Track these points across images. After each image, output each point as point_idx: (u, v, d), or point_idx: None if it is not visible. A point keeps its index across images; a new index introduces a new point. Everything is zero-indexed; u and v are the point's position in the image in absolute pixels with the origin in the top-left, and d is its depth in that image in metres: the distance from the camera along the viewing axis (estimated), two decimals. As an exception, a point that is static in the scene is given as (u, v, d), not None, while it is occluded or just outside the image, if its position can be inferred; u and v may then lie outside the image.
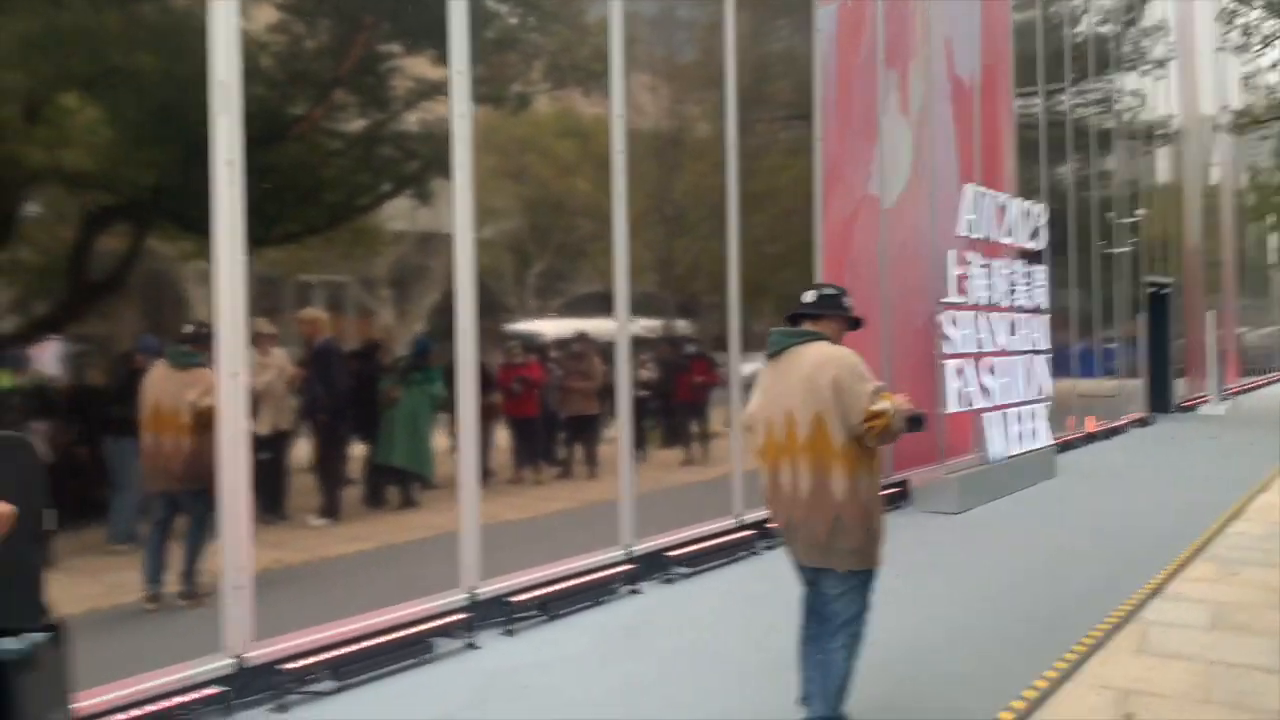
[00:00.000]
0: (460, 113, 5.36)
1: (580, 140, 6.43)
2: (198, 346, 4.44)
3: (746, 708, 4.22)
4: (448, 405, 5.40)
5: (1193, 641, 5.06)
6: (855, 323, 3.82)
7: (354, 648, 4.65)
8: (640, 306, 6.54)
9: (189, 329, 4.52)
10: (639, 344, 6.60)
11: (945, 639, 5.14)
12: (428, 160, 5.39)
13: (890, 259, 9.35)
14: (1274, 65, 29.00)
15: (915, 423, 3.59)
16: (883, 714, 4.04)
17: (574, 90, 6.43)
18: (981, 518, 8.65)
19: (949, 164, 10.58)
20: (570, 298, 6.33)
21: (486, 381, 5.62)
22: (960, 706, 4.21)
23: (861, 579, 3.60)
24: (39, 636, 1.03)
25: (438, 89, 5.32)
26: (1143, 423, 17.07)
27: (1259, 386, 28.47)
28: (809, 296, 3.81)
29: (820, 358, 3.57)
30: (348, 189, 5.19)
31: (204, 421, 4.37)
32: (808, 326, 3.75)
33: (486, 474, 5.63)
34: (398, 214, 5.35)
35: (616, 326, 6.41)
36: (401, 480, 5.61)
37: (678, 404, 7.49)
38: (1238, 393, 24.34)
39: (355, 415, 5.39)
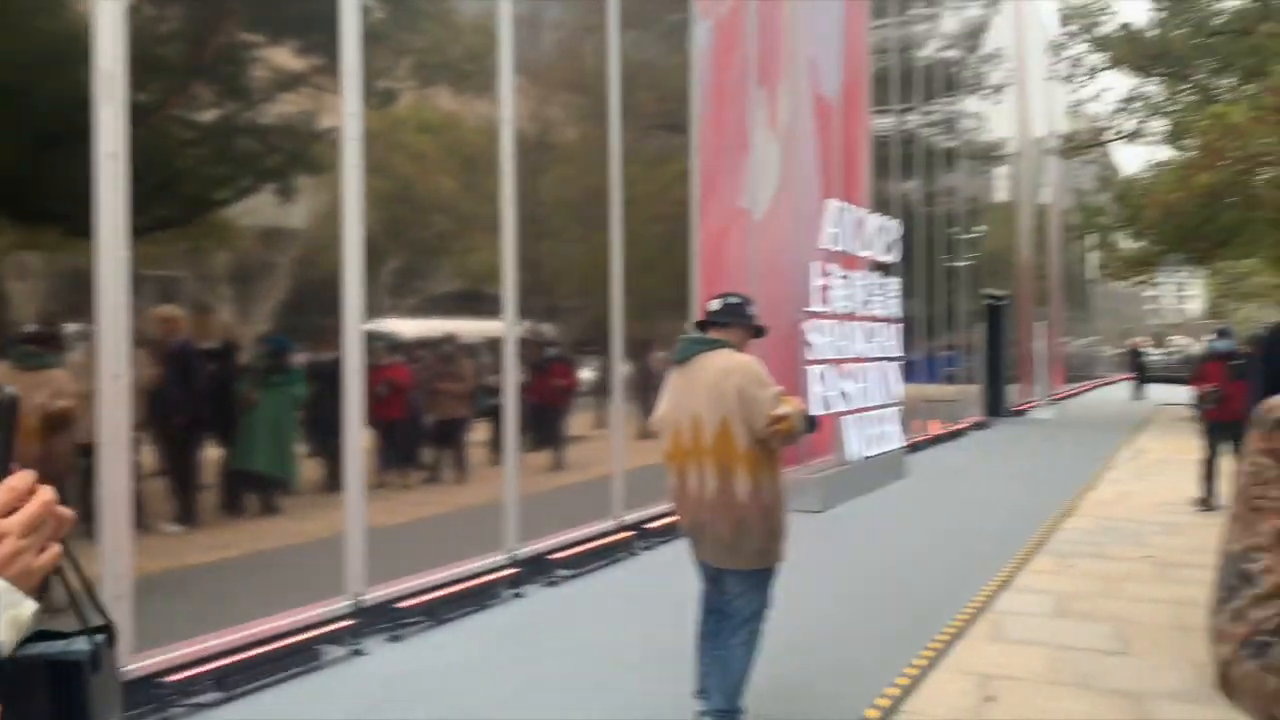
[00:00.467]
0: (351, 111, 5.29)
1: (446, 137, 6.37)
2: (46, 347, 4.17)
3: (642, 702, 4.35)
4: (315, 407, 5.24)
5: (1041, 629, 5.52)
6: (758, 330, 4.02)
7: (237, 658, 4.53)
8: (494, 309, 6.46)
9: (33, 328, 4.23)
10: (488, 347, 6.52)
11: (820, 632, 5.42)
12: (290, 155, 5.22)
13: (759, 269, 9.71)
14: (1097, 96, 31.33)
15: (811, 423, 3.82)
16: (771, 705, 4.25)
17: (443, 87, 6.36)
18: (842, 516, 9.10)
19: (812, 179, 11.06)
20: (433, 297, 6.19)
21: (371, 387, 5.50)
22: (841, 694, 4.47)
23: (763, 577, 3.79)
24: (100, 637, 1.05)
25: (300, 81, 5.19)
26: (981, 426, 18.23)
27: (1081, 392, 30.79)
28: (715, 305, 3.98)
29: (725, 365, 3.75)
30: (204, 181, 4.93)
31: (55, 425, 4.14)
32: (714, 334, 3.92)
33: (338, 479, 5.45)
34: (255, 209, 5.07)
35: (504, 328, 6.45)
36: (262, 486, 5.30)
37: (539, 406, 7.35)
38: (1063, 398, 26.27)
39: (213, 418, 4.99)
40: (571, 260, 7.56)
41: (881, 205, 13.26)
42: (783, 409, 3.67)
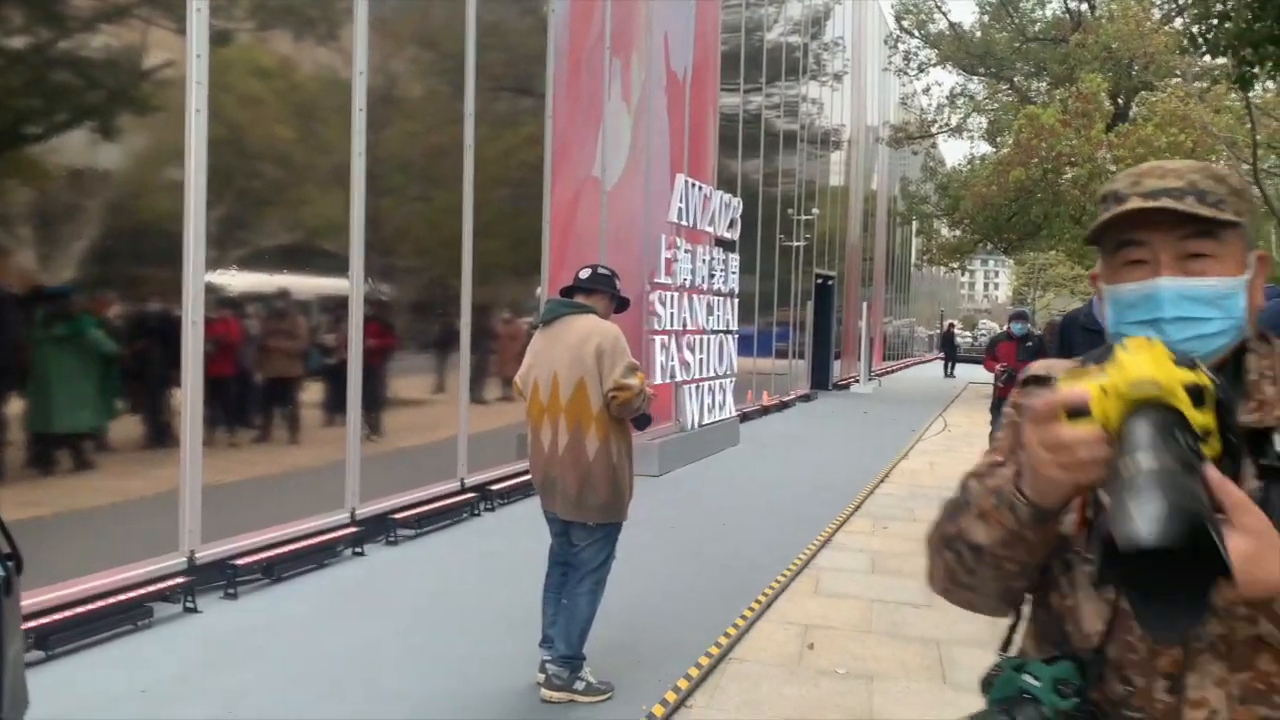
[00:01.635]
0: (198, 53, 5.08)
1: (298, 83, 6.18)
2: None
3: (484, 655, 4.48)
4: (139, 361, 5.01)
5: (857, 584, 5.98)
6: (623, 303, 4.20)
7: (57, 616, 4.36)
8: (335, 266, 6.34)
9: None
10: (326, 305, 6.39)
11: (657, 587, 5.69)
12: (113, 91, 4.93)
13: (609, 238, 9.88)
14: (927, 89, 33.04)
15: (645, 419, 4.05)
16: (612, 653, 4.46)
17: (283, 31, 6.14)
18: (679, 479, 9.45)
19: (662, 152, 11.30)
20: (278, 251, 6.00)
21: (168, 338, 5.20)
22: (676, 642, 4.73)
23: (608, 531, 3.98)
24: (10, 564, 1.09)
25: (123, 12, 4.92)
26: (807, 398, 19.15)
27: (899, 369, 32.71)
28: (584, 273, 4.13)
29: (589, 328, 3.91)
30: (12, 114, 4.58)
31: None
32: (580, 299, 4.06)
33: (169, 435, 5.19)
34: (67, 148, 4.69)
35: (351, 286, 6.36)
36: (69, 443, 4.88)
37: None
38: (883, 374, 27.86)
39: (7, 372, 4.49)
40: (416, 220, 7.49)
41: (725, 183, 13.67)
42: (630, 380, 3.86)
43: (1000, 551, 1.18)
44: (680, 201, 10.52)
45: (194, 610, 4.97)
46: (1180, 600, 0.95)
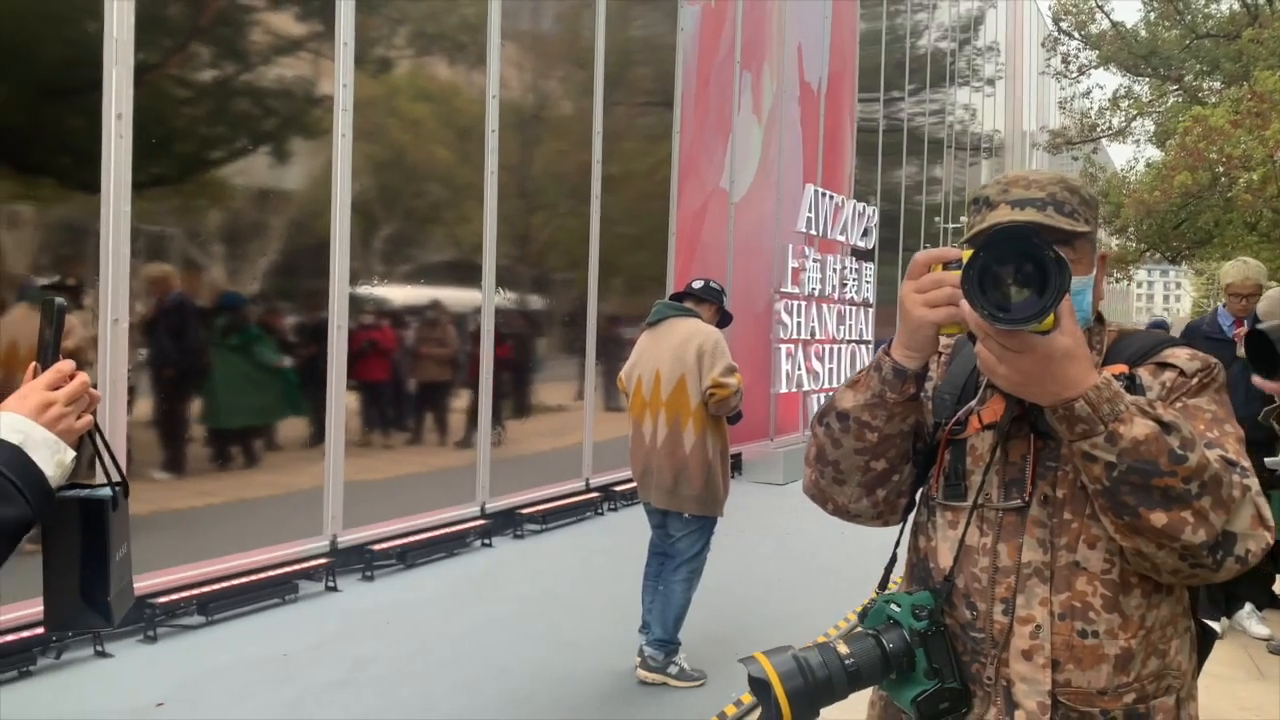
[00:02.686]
0: (344, 83, 5.61)
1: (440, 106, 6.69)
2: (60, 292, 4.50)
3: (590, 638, 4.75)
4: (302, 366, 5.56)
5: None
6: (726, 317, 4.48)
7: (218, 586, 4.91)
8: (469, 278, 6.75)
9: (52, 278, 4.50)
10: (460, 315, 6.84)
11: (766, 589, 5.83)
12: (285, 118, 5.52)
13: (736, 249, 10.06)
14: (1088, 92, 31.73)
15: (737, 416, 4.28)
16: (711, 645, 4.65)
17: (438, 57, 6.67)
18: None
19: (794, 163, 11.40)
20: (420, 264, 6.52)
21: (355, 346, 5.83)
22: (777, 640, 4.86)
23: (703, 524, 4.20)
24: (119, 487, 1.41)
25: (298, 45, 5.49)
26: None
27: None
28: (698, 283, 4.46)
29: (693, 329, 4.19)
30: (200, 141, 5.21)
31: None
32: (689, 305, 4.33)
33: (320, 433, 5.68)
34: (249, 170, 5.29)
35: (483, 298, 6.80)
36: (243, 439, 5.46)
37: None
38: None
39: (198, 373, 5.13)
40: (546, 233, 7.90)
41: (867, 192, 13.61)
42: (729, 379, 4.08)
43: (863, 416, 1.36)
44: (809, 211, 10.59)
45: (334, 589, 5.46)
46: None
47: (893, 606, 1.37)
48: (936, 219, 17.89)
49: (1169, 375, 1.37)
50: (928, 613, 1.35)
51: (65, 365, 1.30)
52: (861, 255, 12.23)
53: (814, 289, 10.68)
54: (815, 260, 10.70)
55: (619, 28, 8.31)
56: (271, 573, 5.19)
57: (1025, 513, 1.36)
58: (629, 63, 8.72)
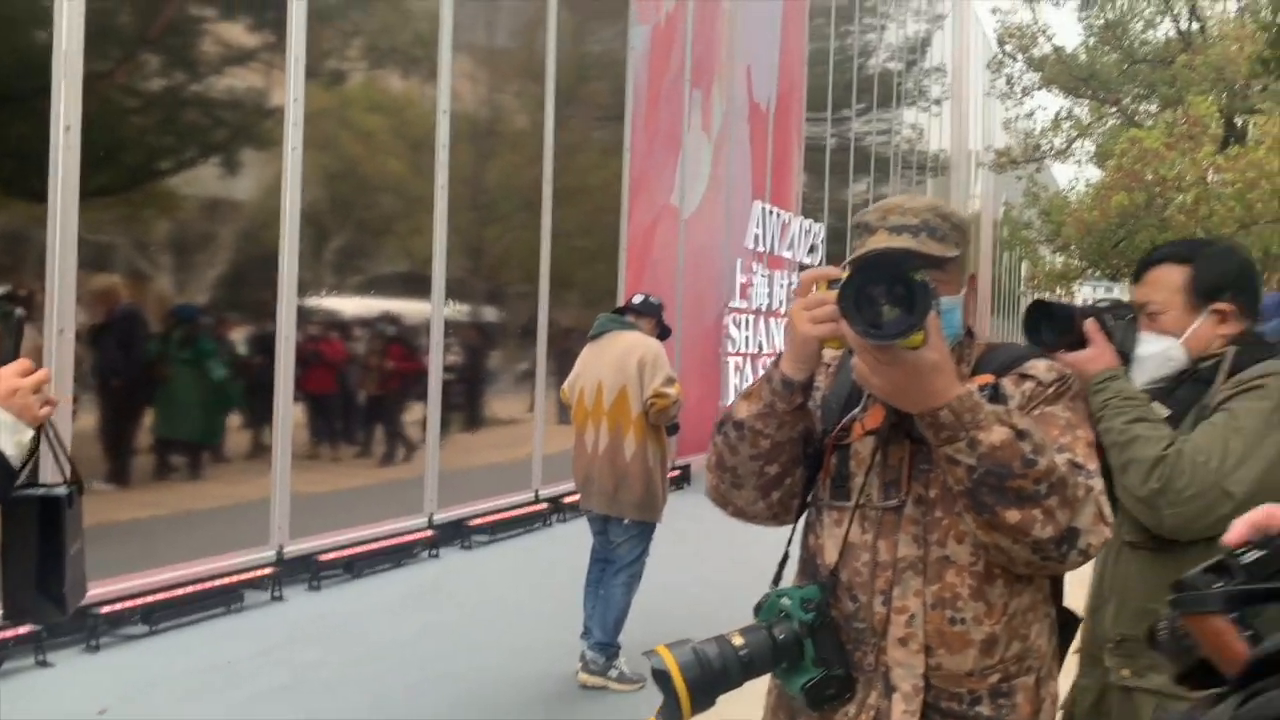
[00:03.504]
0: (295, 96, 5.68)
1: (391, 118, 6.77)
2: (13, 303, 4.50)
3: (534, 644, 4.84)
4: (248, 378, 5.60)
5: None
6: (665, 330, 4.63)
7: (162, 596, 4.92)
8: (418, 290, 6.80)
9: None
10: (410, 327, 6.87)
11: (711, 594, 5.95)
12: (235, 129, 5.58)
13: (686, 264, 10.23)
14: (1031, 114, 32.56)
15: (674, 427, 4.46)
16: (649, 647, 4.75)
17: (390, 70, 6.76)
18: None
19: (743, 180, 11.62)
20: (370, 276, 6.56)
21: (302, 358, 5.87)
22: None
23: (643, 529, 4.35)
24: (74, 486, 1.51)
25: (251, 56, 5.56)
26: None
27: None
28: (638, 299, 4.63)
29: (635, 341, 4.35)
30: (149, 151, 5.27)
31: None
32: (631, 319, 4.48)
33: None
34: (199, 181, 5.34)
35: (433, 310, 6.87)
36: (190, 450, 5.46)
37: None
38: (984, 403, 27.27)
39: (145, 384, 5.15)
40: (496, 248, 8.01)
41: (817, 209, 13.88)
42: (668, 389, 4.23)
43: (757, 425, 1.49)
44: (757, 228, 10.81)
45: (280, 599, 5.49)
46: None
47: (784, 600, 1.51)
48: (884, 236, 18.25)
49: (1028, 385, 1.51)
50: (815, 605, 1.48)
51: (27, 362, 1.40)
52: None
53: (762, 304, 10.90)
54: (764, 275, 10.92)
55: (571, 44, 8.45)
56: (216, 582, 5.20)
57: (901, 511, 1.49)
58: (581, 78, 8.87)
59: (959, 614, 1.45)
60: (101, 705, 3.93)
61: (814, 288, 1.39)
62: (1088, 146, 26.23)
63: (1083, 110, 25.73)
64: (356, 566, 6.04)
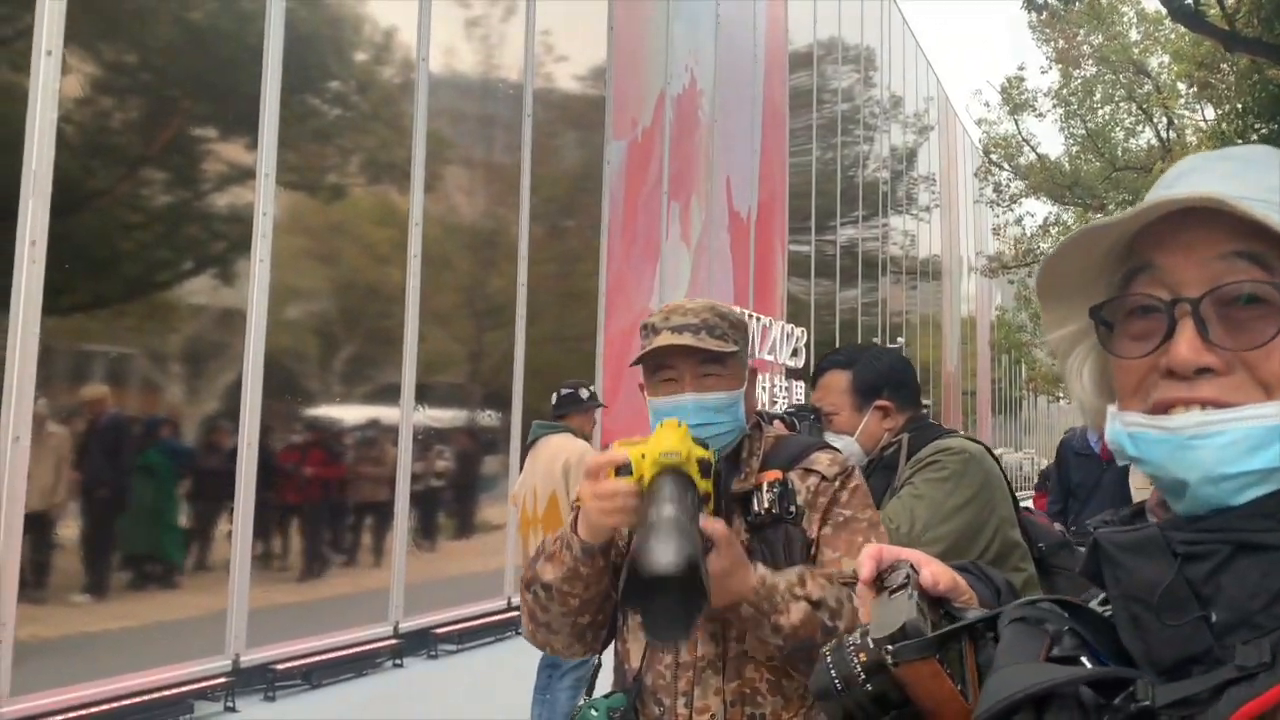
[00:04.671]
0: (264, 211, 5.89)
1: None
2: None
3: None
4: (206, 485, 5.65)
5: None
6: (595, 405, 4.62)
7: (113, 705, 4.86)
8: (388, 398, 6.94)
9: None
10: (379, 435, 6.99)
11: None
12: (234, 242, 5.82)
13: (665, 368, 10.32)
14: (1019, 219, 33.20)
15: None
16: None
17: (365, 182, 7.03)
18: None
19: (724, 287, 11.83)
20: (339, 383, 6.69)
21: (266, 465, 5.91)
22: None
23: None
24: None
25: (249, 174, 5.82)
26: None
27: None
28: (554, 399, 4.60)
29: (560, 446, 4.36)
30: (147, 263, 5.50)
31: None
32: (560, 420, 4.53)
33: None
34: (168, 292, 5.58)
35: (402, 416, 6.95)
36: (147, 560, 5.47)
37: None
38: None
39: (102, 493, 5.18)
40: (468, 357, 8.14)
41: (803, 313, 14.07)
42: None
43: (564, 587, 1.51)
44: (737, 333, 10.96)
45: (233, 709, 5.40)
46: (679, 615, 1.28)
47: (591, 712, 1.53)
48: (874, 339, 18.42)
49: (813, 480, 1.59)
50: (620, 714, 1.50)
51: None
52: (793, 374, 12.59)
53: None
54: (744, 380, 11.03)
55: (546, 156, 8.75)
56: (167, 693, 5.14)
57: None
58: (556, 187, 9.15)
59: (758, 710, 1.49)
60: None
61: (602, 475, 1.41)
62: (1077, 251, 26.58)
63: (1069, 216, 26.23)
64: (315, 676, 5.96)
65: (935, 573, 0.81)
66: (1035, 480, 9.42)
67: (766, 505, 1.56)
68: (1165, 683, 0.66)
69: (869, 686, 0.76)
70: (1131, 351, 0.73)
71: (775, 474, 1.58)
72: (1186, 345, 0.69)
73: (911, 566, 0.82)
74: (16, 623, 4.58)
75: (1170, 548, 0.68)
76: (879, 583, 0.83)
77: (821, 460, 1.61)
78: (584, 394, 4.64)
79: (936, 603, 0.79)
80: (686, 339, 1.57)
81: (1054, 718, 0.65)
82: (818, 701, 0.79)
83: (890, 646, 0.74)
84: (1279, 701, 0.60)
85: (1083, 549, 2.18)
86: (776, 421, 2.03)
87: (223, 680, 5.47)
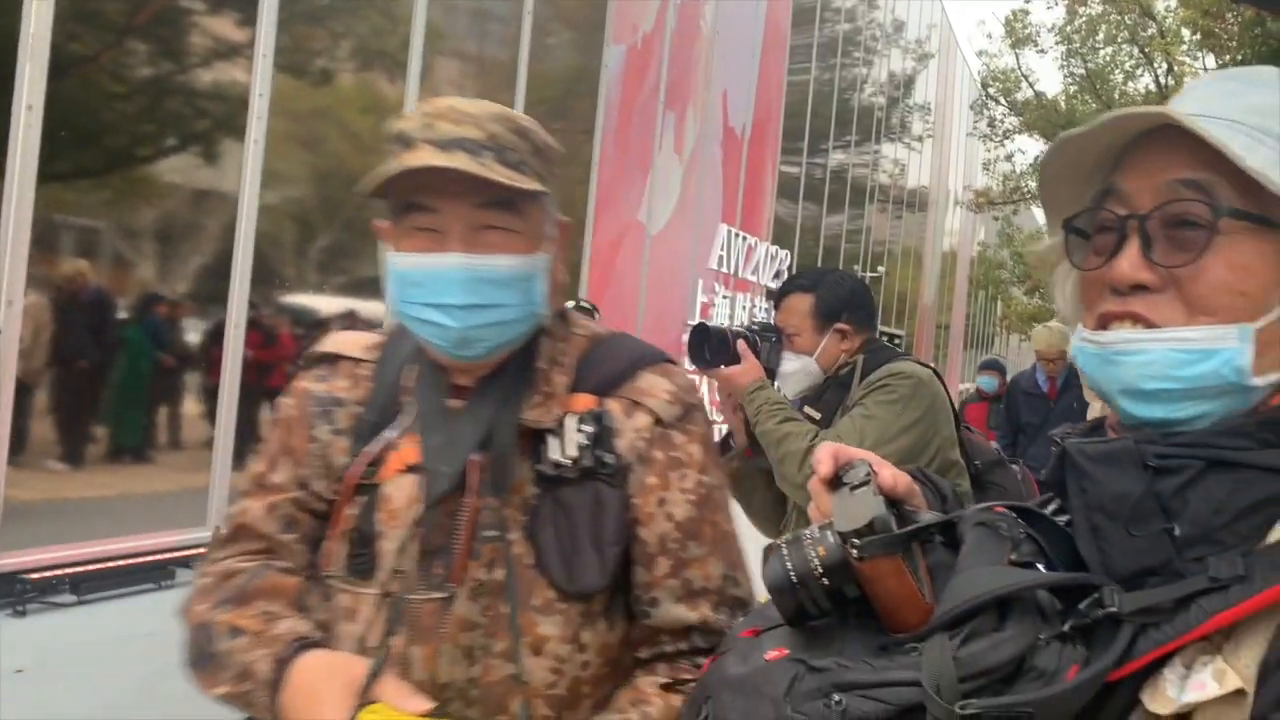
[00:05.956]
0: (260, 92, 5.84)
1: (358, 118, 6.97)
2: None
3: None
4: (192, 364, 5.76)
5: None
6: (591, 316, 4.73)
7: (94, 567, 5.05)
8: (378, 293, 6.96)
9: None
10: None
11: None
12: (219, 120, 5.79)
13: (650, 282, 10.42)
14: (1010, 156, 33.17)
15: None
16: None
17: (360, 70, 6.96)
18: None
19: (713, 203, 11.84)
20: (333, 274, 6.73)
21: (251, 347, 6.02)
22: None
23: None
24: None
25: (238, 51, 5.75)
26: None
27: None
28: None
29: None
30: (130, 136, 5.48)
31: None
32: None
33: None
34: (162, 168, 5.55)
35: (387, 312, 7.02)
36: (134, 433, 5.63)
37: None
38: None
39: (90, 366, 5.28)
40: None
41: (788, 236, 14.12)
42: None
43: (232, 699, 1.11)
44: (722, 250, 11.02)
45: (213, 579, 5.59)
46: None
47: None
48: (855, 267, 18.54)
49: (643, 419, 1.12)
50: None
51: None
52: (773, 296, 12.72)
53: (723, 324, 11.11)
54: (725, 297, 11.13)
55: (543, 55, 8.65)
56: (150, 558, 5.32)
57: (450, 606, 1.04)
58: (552, 89, 9.07)
59: None
60: (20, 665, 4.04)
61: None
62: (1064, 192, 26.64)
63: (1060, 156, 26.17)
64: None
65: (895, 474, 0.81)
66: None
67: (575, 454, 1.08)
68: (1124, 592, 0.67)
69: (825, 581, 0.74)
70: (1088, 264, 0.77)
71: (589, 400, 1.12)
72: (1128, 261, 0.73)
73: (870, 467, 0.80)
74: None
75: (1143, 461, 0.70)
76: (836, 481, 0.81)
77: (657, 389, 1.14)
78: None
79: (891, 504, 0.77)
80: (460, 160, 1.03)
81: (1016, 620, 0.66)
82: (771, 595, 0.75)
83: (857, 541, 0.73)
84: (1253, 612, 0.62)
85: (1015, 466, 2.33)
86: (740, 341, 2.16)
87: (204, 550, 5.63)
